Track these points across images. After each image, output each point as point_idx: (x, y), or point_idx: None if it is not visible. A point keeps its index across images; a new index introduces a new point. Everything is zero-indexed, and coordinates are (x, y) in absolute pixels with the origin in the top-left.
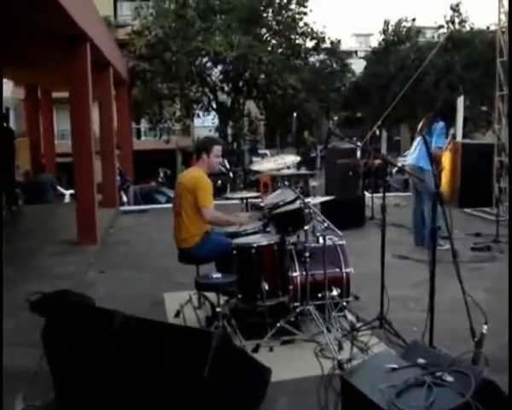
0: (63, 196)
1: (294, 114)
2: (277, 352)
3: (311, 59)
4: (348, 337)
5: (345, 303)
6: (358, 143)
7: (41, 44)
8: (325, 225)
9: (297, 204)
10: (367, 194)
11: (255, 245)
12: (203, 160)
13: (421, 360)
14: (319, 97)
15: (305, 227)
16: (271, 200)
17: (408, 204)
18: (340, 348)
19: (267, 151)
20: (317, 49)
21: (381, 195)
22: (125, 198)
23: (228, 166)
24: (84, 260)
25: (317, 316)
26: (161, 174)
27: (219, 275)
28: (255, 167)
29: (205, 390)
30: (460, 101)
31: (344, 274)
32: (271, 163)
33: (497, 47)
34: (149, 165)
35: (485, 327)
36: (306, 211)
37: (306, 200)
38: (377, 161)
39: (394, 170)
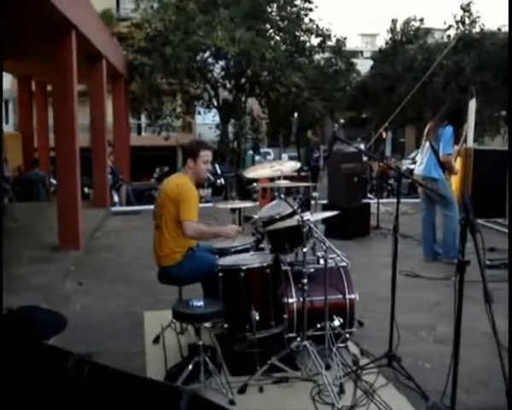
0: None
1: (295, 114)
2: (268, 393)
3: (316, 57)
4: (351, 377)
5: (347, 335)
6: (362, 146)
7: (24, 32)
8: (326, 245)
9: (295, 220)
10: (371, 201)
11: (244, 267)
12: (189, 166)
13: None
14: (323, 97)
15: (305, 248)
16: (266, 212)
17: (416, 212)
18: (342, 391)
19: (270, 150)
20: (322, 46)
21: (386, 201)
22: (116, 198)
23: (219, 171)
24: (62, 269)
25: (314, 354)
26: (157, 170)
27: (201, 303)
28: (249, 175)
29: None
30: (472, 103)
31: (347, 301)
32: (267, 170)
33: (509, 48)
34: (149, 162)
35: None
36: (312, 226)
37: (306, 215)
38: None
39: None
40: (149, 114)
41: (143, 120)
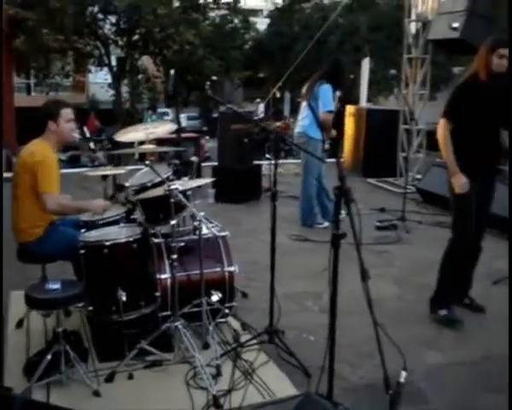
0: None
1: (171, 71)
2: (139, 379)
3: (212, 14)
4: (230, 356)
5: (227, 310)
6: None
7: None
8: (201, 215)
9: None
10: (265, 162)
11: (108, 243)
12: (50, 130)
13: None
14: (219, 55)
15: (173, 220)
16: (138, 179)
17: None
18: (219, 373)
19: (168, 110)
20: (217, 2)
21: (282, 161)
22: None
23: (88, 134)
24: None
25: (186, 335)
26: None
27: (58, 285)
28: (120, 138)
29: None
30: (365, 63)
31: (226, 274)
32: (140, 132)
33: (405, 8)
34: (38, 123)
35: (403, 375)
36: (180, 196)
37: (176, 183)
38: (278, 124)
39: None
40: (37, 74)
41: (32, 80)
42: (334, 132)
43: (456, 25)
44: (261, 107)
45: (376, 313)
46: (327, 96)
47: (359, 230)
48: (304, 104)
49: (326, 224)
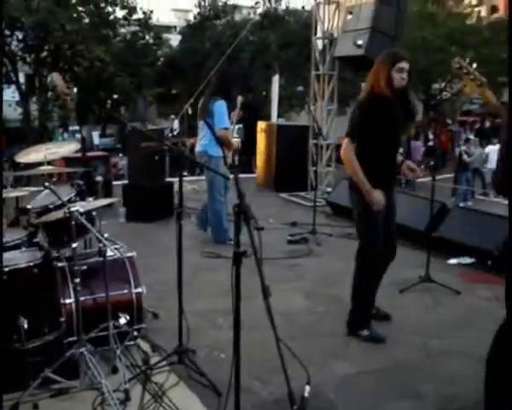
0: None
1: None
2: (44, 409)
3: (123, 30)
4: (139, 379)
5: (136, 333)
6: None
7: None
8: (100, 239)
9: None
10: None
11: (7, 269)
12: None
13: None
14: (131, 72)
15: (74, 243)
16: (40, 201)
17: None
18: (127, 397)
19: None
20: (127, 19)
21: (196, 178)
22: None
23: None
24: None
25: (92, 361)
26: None
27: None
28: (21, 159)
29: None
30: (275, 80)
31: (134, 295)
32: (42, 152)
33: (312, 26)
34: None
35: (307, 389)
36: (81, 218)
37: (77, 205)
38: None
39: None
40: None
41: None
42: (235, 146)
43: (360, 42)
44: (176, 123)
45: (287, 327)
46: (221, 113)
47: (260, 247)
48: (201, 122)
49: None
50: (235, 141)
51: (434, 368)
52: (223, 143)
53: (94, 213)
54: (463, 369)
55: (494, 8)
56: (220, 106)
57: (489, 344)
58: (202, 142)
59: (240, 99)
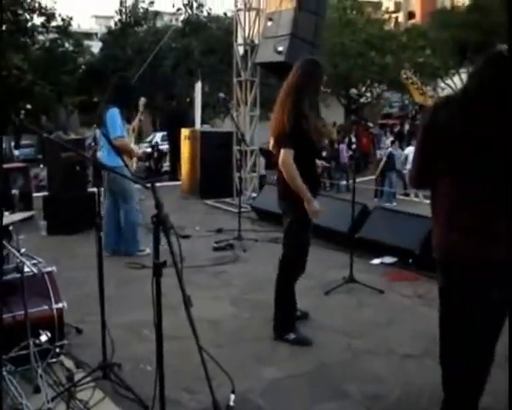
0: None
1: None
2: None
3: (41, 37)
4: (63, 397)
5: (58, 350)
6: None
7: None
8: (21, 251)
9: None
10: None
11: None
12: None
13: None
14: (50, 80)
15: None
16: None
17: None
18: None
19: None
20: (46, 26)
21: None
22: None
23: None
24: None
25: (13, 383)
26: None
27: None
28: None
29: None
30: (198, 87)
31: (55, 311)
32: None
33: (234, 33)
34: None
35: (232, 397)
36: None
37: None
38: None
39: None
40: None
41: None
42: (137, 153)
43: (280, 48)
44: (98, 132)
45: (214, 335)
46: (114, 121)
47: (180, 256)
48: (98, 132)
49: (148, 250)
50: (135, 147)
51: (360, 368)
52: (121, 151)
53: (11, 228)
54: (388, 367)
55: (411, 15)
56: (112, 114)
57: (412, 341)
58: (101, 153)
59: (143, 100)
